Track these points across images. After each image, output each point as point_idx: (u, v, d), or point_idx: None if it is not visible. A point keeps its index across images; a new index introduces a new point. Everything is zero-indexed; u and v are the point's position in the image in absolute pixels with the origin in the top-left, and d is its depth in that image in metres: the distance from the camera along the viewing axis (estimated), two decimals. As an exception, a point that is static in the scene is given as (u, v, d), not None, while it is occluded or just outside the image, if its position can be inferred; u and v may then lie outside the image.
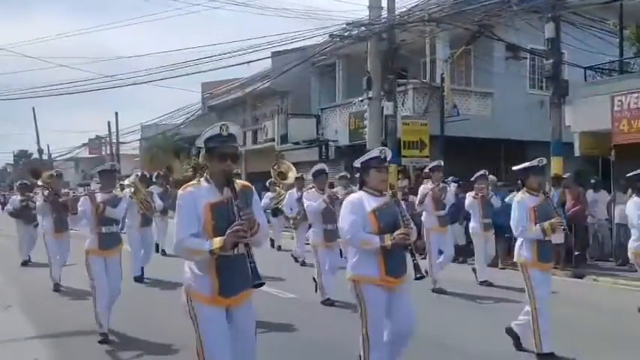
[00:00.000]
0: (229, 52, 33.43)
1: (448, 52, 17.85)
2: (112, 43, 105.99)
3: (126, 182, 9.52)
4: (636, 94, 11.51)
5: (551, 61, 12.99)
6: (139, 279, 9.94)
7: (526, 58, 18.26)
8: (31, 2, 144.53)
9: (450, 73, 17.80)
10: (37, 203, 10.02)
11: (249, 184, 3.60)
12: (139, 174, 10.20)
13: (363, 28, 17.07)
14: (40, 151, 58.54)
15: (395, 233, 4.07)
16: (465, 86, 19.06)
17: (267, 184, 14.96)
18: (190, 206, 3.32)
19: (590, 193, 12.33)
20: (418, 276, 4.24)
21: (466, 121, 17.02)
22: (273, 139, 23.63)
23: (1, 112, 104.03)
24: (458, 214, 12.68)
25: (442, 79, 17.31)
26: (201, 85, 32.51)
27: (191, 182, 3.49)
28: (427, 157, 16.37)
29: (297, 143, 22.02)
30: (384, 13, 16.70)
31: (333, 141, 20.81)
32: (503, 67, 18.19)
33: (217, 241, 3.21)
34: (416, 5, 16.75)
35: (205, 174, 3.46)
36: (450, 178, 11.99)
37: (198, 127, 32.09)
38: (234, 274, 3.34)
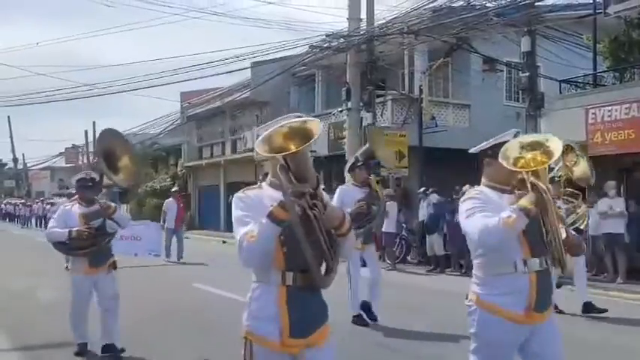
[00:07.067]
0: (209, 62, 33.62)
1: (426, 64, 18.05)
2: (90, 52, 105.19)
3: None
4: (609, 107, 11.74)
5: (527, 74, 13.24)
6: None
7: (502, 70, 18.53)
8: (8, 10, 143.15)
9: (428, 84, 18.00)
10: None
11: None
12: None
13: (342, 39, 17.21)
14: (15, 160, 57.74)
15: None
16: (442, 98, 19.26)
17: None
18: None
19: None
20: None
21: (444, 132, 17.18)
22: (252, 150, 23.54)
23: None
24: (436, 224, 12.84)
25: (420, 91, 17.49)
26: (180, 95, 32.41)
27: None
28: (406, 167, 16.53)
29: (276, 153, 22.03)
30: (364, 25, 16.86)
31: (312, 151, 20.73)
32: (480, 79, 18.43)
33: None
34: (395, 17, 16.95)
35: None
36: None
37: (176, 137, 32.01)
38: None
